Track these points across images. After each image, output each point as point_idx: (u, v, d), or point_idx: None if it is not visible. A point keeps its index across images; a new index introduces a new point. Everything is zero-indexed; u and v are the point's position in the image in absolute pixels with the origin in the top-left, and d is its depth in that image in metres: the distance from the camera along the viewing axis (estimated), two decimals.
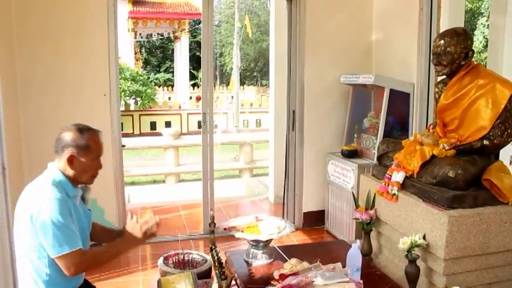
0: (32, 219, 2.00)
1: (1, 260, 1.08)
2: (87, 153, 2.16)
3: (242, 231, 2.89)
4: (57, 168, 2.16)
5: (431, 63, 3.53)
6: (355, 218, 3.41)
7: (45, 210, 1.99)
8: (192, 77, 23.85)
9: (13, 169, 3.87)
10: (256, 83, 25.86)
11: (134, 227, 2.27)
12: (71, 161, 2.12)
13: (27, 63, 4.06)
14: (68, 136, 2.14)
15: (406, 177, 3.07)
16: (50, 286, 2.08)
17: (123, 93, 14.00)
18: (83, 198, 2.31)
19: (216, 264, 2.46)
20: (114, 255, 2.25)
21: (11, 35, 3.95)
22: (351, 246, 2.63)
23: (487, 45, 9.77)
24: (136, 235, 2.25)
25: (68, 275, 2.04)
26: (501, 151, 3.05)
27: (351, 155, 4.48)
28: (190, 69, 21.77)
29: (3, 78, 3.75)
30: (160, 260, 3.32)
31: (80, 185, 2.26)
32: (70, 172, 2.14)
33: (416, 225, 2.87)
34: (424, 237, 2.75)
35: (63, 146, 2.13)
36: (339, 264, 2.54)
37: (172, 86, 22.15)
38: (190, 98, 18.99)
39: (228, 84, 19.52)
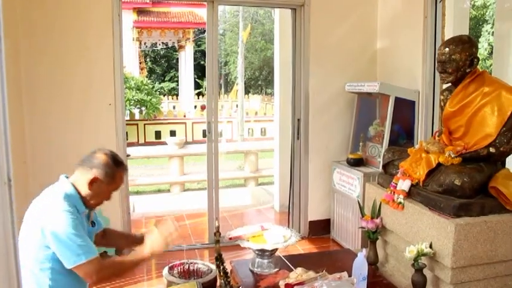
0: (44, 232, 2.00)
1: (6, 272, 1.08)
2: (110, 184, 2.20)
3: (247, 241, 2.88)
4: (69, 182, 2.18)
5: (436, 71, 3.52)
6: (361, 227, 3.39)
7: (57, 222, 2.00)
8: (197, 86, 23.94)
9: (18, 179, 3.88)
10: (261, 91, 25.92)
11: (157, 238, 2.29)
12: (93, 182, 2.15)
13: (32, 73, 4.08)
14: (103, 160, 2.19)
15: (412, 186, 3.05)
16: None
17: (127, 102, 14.04)
18: (88, 216, 2.32)
19: (222, 273, 2.45)
20: (136, 264, 2.25)
21: (17, 46, 3.98)
22: (356, 255, 2.62)
23: (492, 52, 9.76)
24: (159, 245, 2.28)
25: (90, 284, 2.07)
26: (507, 158, 3.03)
27: (356, 163, 4.47)
28: (195, 78, 21.87)
29: (9, 87, 3.77)
30: (166, 270, 3.29)
31: None
32: (85, 191, 2.16)
33: (422, 233, 2.84)
34: (430, 246, 2.73)
35: (93, 165, 2.17)
36: (345, 274, 2.53)
37: (177, 95, 22.25)
38: (195, 107, 19.05)
39: (231, 92, 19.56)
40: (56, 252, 2.01)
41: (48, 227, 2.00)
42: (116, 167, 2.21)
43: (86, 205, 2.20)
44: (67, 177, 2.22)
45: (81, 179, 2.17)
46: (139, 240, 2.48)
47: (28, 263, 2.06)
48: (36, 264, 2.05)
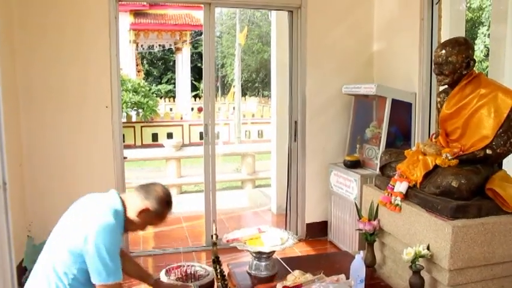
0: (87, 240, 2.03)
1: (1, 274, 1.08)
2: (154, 219, 2.29)
3: (245, 243, 2.88)
4: (120, 200, 2.23)
5: (432, 73, 3.53)
6: (359, 229, 3.39)
7: (102, 237, 2.04)
8: (194, 88, 23.91)
9: (14, 182, 3.87)
10: (258, 93, 25.90)
11: None
12: (143, 212, 2.22)
13: (28, 75, 4.07)
14: (160, 195, 2.26)
15: (409, 188, 3.05)
16: None
17: (124, 104, 14.01)
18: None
19: (219, 276, 2.45)
20: None
21: (13, 48, 3.96)
22: (354, 258, 2.62)
23: (488, 54, 9.78)
24: None
25: None
26: (504, 160, 3.04)
27: (353, 165, 4.47)
28: (191, 80, 21.83)
29: (5, 90, 3.76)
30: (163, 273, 3.29)
31: None
32: (132, 216, 2.23)
33: (420, 235, 2.84)
34: (428, 248, 2.73)
35: (150, 196, 2.24)
36: (343, 276, 2.53)
37: (174, 97, 22.21)
38: (192, 109, 19.02)
39: (228, 94, 19.56)
40: (89, 264, 2.05)
41: (92, 237, 2.03)
42: (167, 206, 2.29)
43: (125, 228, 2.26)
44: (118, 194, 2.28)
45: (133, 204, 2.23)
46: (149, 279, 2.66)
47: (54, 262, 2.09)
48: (61, 266, 2.07)
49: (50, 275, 2.08)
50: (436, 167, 2.93)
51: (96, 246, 2.01)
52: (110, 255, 2.04)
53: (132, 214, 2.22)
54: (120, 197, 2.25)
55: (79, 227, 2.08)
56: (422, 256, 2.71)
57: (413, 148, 3.29)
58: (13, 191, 3.81)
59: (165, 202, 2.27)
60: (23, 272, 3.83)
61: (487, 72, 4.58)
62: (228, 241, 2.93)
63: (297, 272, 2.60)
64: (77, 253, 2.05)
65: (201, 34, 16.33)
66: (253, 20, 23.93)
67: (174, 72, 23.74)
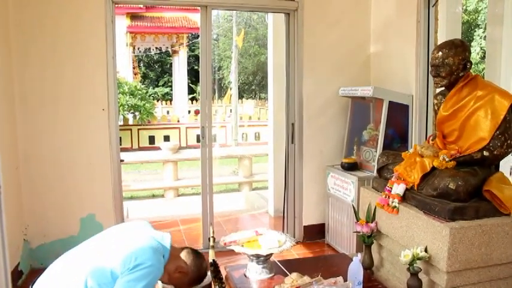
0: (135, 263, 2.02)
1: None
2: (185, 284, 2.31)
3: (242, 246, 2.87)
4: (169, 243, 2.26)
5: (429, 75, 3.53)
6: (356, 231, 3.38)
7: (147, 256, 2.05)
8: (191, 91, 23.92)
9: (10, 185, 3.85)
10: (255, 96, 25.94)
11: None
12: (179, 272, 2.26)
13: (24, 78, 4.05)
14: (201, 271, 2.34)
15: (406, 190, 3.05)
16: None
17: (121, 107, 14.01)
18: None
19: (216, 279, 2.44)
20: None
21: (9, 50, 3.95)
22: (352, 260, 2.61)
23: (484, 56, 9.82)
24: None
25: None
26: (501, 162, 3.04)
27: (350, 167, 4.47)
28: (188, 83, 21.84)
29: (0, 93, 3.75)
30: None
31: None
32: (170, 270, 2.23)
33: (417, 237, 2.84)
34: (425, 250, 2.73)
35: (195, 265, 2.29)
36: (340, 278, 2.52)
37: (171, 100, 22.21)
38: (189, 111, 19.02)
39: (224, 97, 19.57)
40: (118, 280, 2.01)
41: (141, 263, 2.02)
42: (199, 278, 2.35)
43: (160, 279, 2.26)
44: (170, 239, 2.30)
45: (178, 258, 2.27)
46: None
47: (83, 273, 2.03)
48: (93, 281, 2.01)
49: (78, 284, 2.02)
50: (433, 169, 2.93)
51: (135, 277, 2.00)
52: (141, 281, 2.00)
53: (170, 268, 2.23)
54: (171, 244, 2.27)
55: (130, 247, 2.07)
56: (420, 258, 2.70)
57: (411, 150, 3.29)
58: (9, 195, 3.79)
59: (198, 278, 2.33)
60: (18, 275, 3.82)
61: (484, 74, 4.59)
62: (225, 244, 2.92)
63: (294, 275, 2.59)
64: (116, 275, 2.01)
65: (197, 37, 16.34)
66: (250, 23, 23.99)
67: (170, 75, 23.76)
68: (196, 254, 2.33)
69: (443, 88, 3.16)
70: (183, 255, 2.28)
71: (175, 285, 2.31)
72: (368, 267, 3.30)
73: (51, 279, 2.13)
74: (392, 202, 3.07)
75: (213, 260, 2.53)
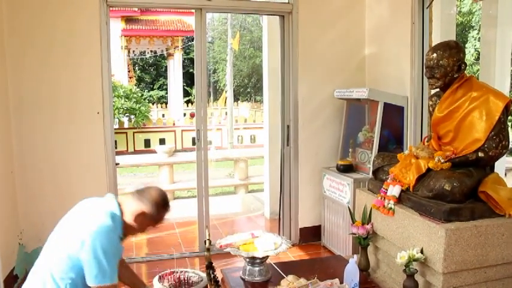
0: (83, 244, 2.04)
1: None
2: (151, 221, 2.30)
3: (238, 249, 2.86)
4: (117, 204, 2.24)
5: (424, 77, 3.54)
6: (352, 233, 3.38)
7: (99, 240, 2.04)
8: (186, 93, 23.89)
9: (5, 189, 3.84)
10: (250, 99, 25.93)
11: None
12: (139, 215, 2.23)
13: (19, 82, 4.04)
14: (156, 198, 2.28)
15: (402, 191, 3.05)
16: None
17: (116, 110, 13.98)
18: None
19: (212, 282, 2.43)
20: None
21: (3, 54, 3.94)
22: (348, 262, 2.62)
23: (478, 57, 9.85)
24: None
25: None
26: (496, 163, 3.05)
27: (346, 169, 4.47)
28: (183, 86, 21.80)
29: None
30: (156, 279, 3.27)
31: None
32: (129, 219, 2.23)
33: (413, 239, 2.85)
34: (421, 251, 2.73)
35: (147, 199, 2.25)
36: (337, 280, 2.52)
37: (166, 103, 22.17)
38: (184, 114, 19.00)
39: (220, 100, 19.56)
40: (85, 267, 2.04)
41: (89, 240, 2.03)
42: (163, 209, 2.31)
43: (123, 233, 2.26)
44: (115, 198, 2.29)
45: (129, 207, 2.24)
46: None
47: (50, 266, 2.09)
48: (58, 271, 2.07)
49: (46, 281, 2.08)
50: (428, 170, 2.93)
51: (93, 248, 2.02)
52: (107, 257, 2.04)
53: (129, 218, 2.22)
54: (117, 201, 2.25)
55: (76, 231, 2.09)
56: (416, 260, 2.71)
57: (406, 152, 3.29)
58: (4, 198, 3.78)
59: (161, 205, 2.28)
60: (14, 280, 3.80)
61: (478, 75, 4.60)
62: (221, 246, 2.92)
63: (290, 277, 2.59)
64: (75, 258, 2.05)
65: (192, 40, 16.30)
66: (245, 25, 23.98)
67: (166, 78, 23.71)
68: (139, 190, 2.30)
69: (438, 89, 3.17)
70: (130, 200, 2.26)
71: (148, 228, 2.32)
72: (364, 269, 3.30)
73: (28, 280, 2.20)
74: (388, 204, 3.07)
75: (209, 262, 2.52)
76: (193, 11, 4.60)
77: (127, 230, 2.25)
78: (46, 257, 2.16)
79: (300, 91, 4.82)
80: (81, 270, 2.06)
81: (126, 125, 15.43)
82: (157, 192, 2.30)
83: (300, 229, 4.99)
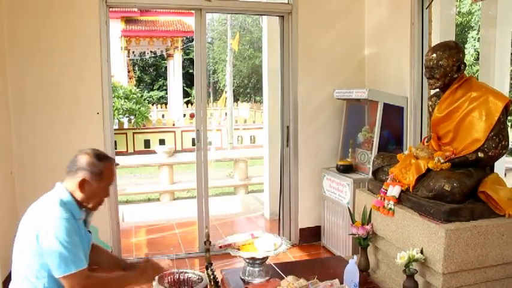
0: (38, 238, 1.99)
1: None
2: (100, 180, 2.17)
3: (238, 249, 2.86)
4: (65, 188, 2.16)
5: (424, 77, 3.54)
6: (352, 234, 3.38)
7: (52, 229, 1.98)
8: (186, 94, 23.90)
9: (4, 190, 3.83)
10: (250, 99, 25.94)
11: (149, 269, 2.39)
12: (82, 184, 2.13)
13: (19, 82, 4.04)
14: (85, 160, 2.15)
15: (402, 191, 3.05)
16: None
17: (116, 111, 13.98)
18: (85, 221, 2.30)
19: (212, 283, 2.43)
20: (122, 284, 2.27)
21: (3, 55, 3.94)
22: (348, 262, 2.61)
23: (478, 58, 9.85)
24: (148, 276, 2.37)
25: None
26: (496, 163, 3.04)
27: (346, 170, 4.47)
28: (183, 86, 21.82)
29: None
30: (155, 280, 3.27)
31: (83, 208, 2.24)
32: (79, 195, 2.15)
33: (413, 239, 2.84)
34: (421, 252, 2.72)
35: (77, 168, 2.14)
36: (337, 281, 2.52)
37: (166, 103, 22.19)
38: (184, 115, 19.00)
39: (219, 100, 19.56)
40: (47, 259, 1.99)
41: (42, 233, 1.98)
42: (100, 162, 2.17)
43: (86, 209, 2.20)
44: (62, 184, 2.20)
45: (72, 185, 2.15)
46: (127, 266, 2.51)
47: (23, 270, 2.05)
48: (31, 272, 2.03)
49: (25, 284, 2.05)
50: (428, 170, 2.93)
51: (49, 240, 1.96)
52: (65, 245, 1.97)
53: (78, 194, 2.14)
54: (64, 186, 2.17)
55: (30, 228, 2.03)
56: (415, 260, 2.70)
57: (406, 152, 3.29)
58: (3, 199, 3.78)
59: (95, 161, 2.16)
60: None
61: (478, 75, 4.60)
62: (221, 247, 2.92)
63: (290, 278, 2.59)
64: (37, 254, 2.00)
65: (192, 40, 16.32)
66: (245, 26, 24.01)
67: (165, 78, 23.73)
68: (70, 164, 2.18)
69: (437, 90, 3.17)
70: (68, 177, 2.17)
71: (102, 190, 2.20)
72: (364, 269, 3.30)
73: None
74: (388, 204, 3.07)
75: (209, 263, 2.52)
76: (193, 11, 4.61)
77: (86, 203, 2.17)
78: (16, 263, 2.12)
79: (299, 91, 4.82)
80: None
81: (125, 126, 15.45)
82: (86, 153, 2.18)
83: (300, 229, 4.99)
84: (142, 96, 17.51)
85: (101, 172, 2.16)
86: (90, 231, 2.37)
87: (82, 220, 2.23)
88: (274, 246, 2.86)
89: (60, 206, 2.07)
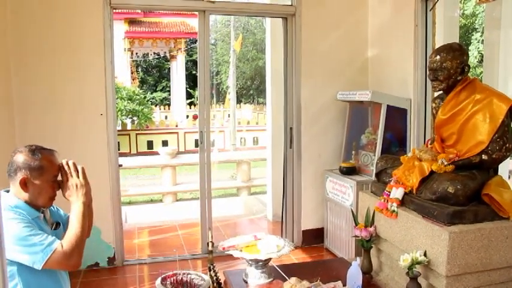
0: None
1: None
2: (41, 175, 2.06)
3: (241, 251, 2.85)
4: (11, 194, 2.06)
5: (427, 79, 3.53)
6: (355, 236, 3.37)
7: (9, 231, 1.90)
8: (189, 95, 23.92)
9: None
10: (253, 101, 25.94)
11: (81, 187, 2.24)
12: (24, 184, 2.02)
13: (24, 84, 4.05)
14: (20, 158, 2.05)
15: (405, 194, 3.04)
16: None
17: (119, 112, 14.00)
18: (46, 219, 2.19)
19: (215, 284, 2.43)
20: (82, 222, 2.10)
21: (7, 55, 3.95)
22: (351, 264, 2.61)
23: (481, 60, 9.84)
24: (84, 189, 2.24)
25: (71, 269, 2.01)
26: (500, 165, 3.04)
27: (349, 171, 4.46)
28: (186, 88, 21.85)
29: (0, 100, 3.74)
30: (158, 281, 3.26)
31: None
32: (25, 196, 2.04)
33: (416, 241, 2.84)
34: (425, 254, 2.72)
35: (15, 169, 2.04)
36: (339, 283, 2.51)
37: (169, 105, 22.21)
38: (187, 116, 19.02)
39: (223, 103, 19.57)
40: (23, 260, 1.92)
41: (4, 240, 1.93)
42: (34, 156, 2.06)
43: (38, 207, 2.10)
44: (7, 192, 2.10)
45: (15, 188, 2.05)
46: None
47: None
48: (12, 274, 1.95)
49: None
50: (432, 172, 2.93)
51: (12, 243, 1.89)
52: (26, 238, 1.90)
53: (23, 195, 2.04)
54: (11, 192, 2.08)
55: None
56: (419, 262, 2.69)
57: (409, 154, 3.28)
58: None
59: (29, 156, 2.05)
60: None
61: (481, 77, 4.60)
62: (223, 249, 2.91)
63: (293, 279, 2.58)
64: (12, 262, 1.92)
65: (195, 42, 16.34)
66: (248, 28, 24.00)
67: (169, 79, 23.75)
68: (8, 169, 2.07)
69: (441, 92, 3.16)
70: (11, 182, 2.06)
71: (46, 184, 2.08)
72: (367, 271, 3.29)
73: None
74: (391, 206, 3.06)
75: (212, 264, 2.52)
76: (196, 13, 4.61)
77: (36, 201, 2.07)
78: None
79: (302, 93, 4.82)
80: (20, 268, 1.94)
81: (129, 127, 15.48)
82: (18, 152, 2.07)
83: (303, 231, 4.99)
84: (145, 97, 17.52)
85: (40, 166, 2.06)
86: (59, 223, 2.27)
87: (42, 218, 2.13)
88: (277, 248, 2.86)
89: (9, 210, 1.98)
